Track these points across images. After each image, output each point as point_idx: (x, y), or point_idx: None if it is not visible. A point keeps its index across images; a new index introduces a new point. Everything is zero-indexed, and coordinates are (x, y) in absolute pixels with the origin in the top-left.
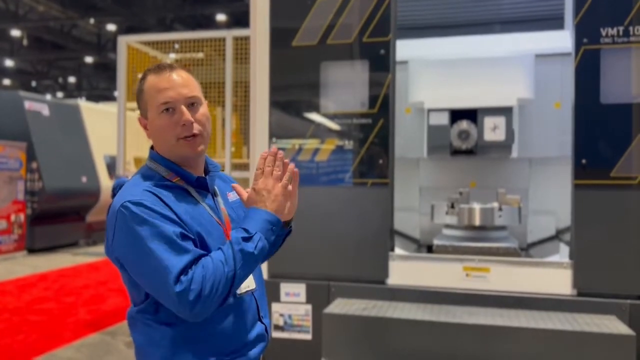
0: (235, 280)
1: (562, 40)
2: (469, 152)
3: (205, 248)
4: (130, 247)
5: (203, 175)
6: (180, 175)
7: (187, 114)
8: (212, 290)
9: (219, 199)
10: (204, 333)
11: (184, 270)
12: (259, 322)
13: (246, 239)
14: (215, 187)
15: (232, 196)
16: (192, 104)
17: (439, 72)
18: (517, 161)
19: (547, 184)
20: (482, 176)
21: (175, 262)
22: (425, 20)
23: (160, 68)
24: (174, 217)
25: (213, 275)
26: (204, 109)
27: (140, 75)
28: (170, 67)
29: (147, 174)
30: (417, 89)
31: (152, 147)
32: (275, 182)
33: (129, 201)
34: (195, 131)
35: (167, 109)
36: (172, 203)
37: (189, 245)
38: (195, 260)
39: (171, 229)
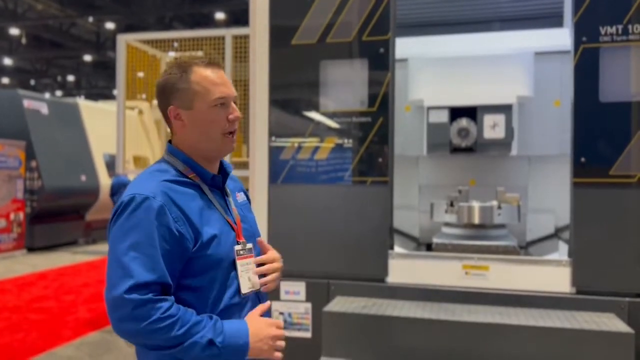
0: (173, 349)
1: (561, 38)
2: (469, 150)
3: (216, 248)
4: (115, 235)
5: (218, 174)
6: (197, 172)
7: (237, 111)
8: (157, 330)
9: (230, 199)
10: None
11: (143, 286)
12: None
13: (210, 344)
14: (227, 187)
15: (240, 197)
16: (235, 103)
17: (438, 69)
18: (517, 159)
19: (547, 182)
20: (482, 174)
21: (139, 274)
22: (425, 17)
23: (210, 63)
24: (172, 225)
25: (172, 324)
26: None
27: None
28: (218, 64)
29: (163, 167)
30: (417, 86)
31: (169, 141)
32: (274, 344)
33: (138, 194)
34: (236, 127)
35: (221, 104)
36: (183, 202)
37: (161, 266)
38: (158, 285)
39: (159, 243)
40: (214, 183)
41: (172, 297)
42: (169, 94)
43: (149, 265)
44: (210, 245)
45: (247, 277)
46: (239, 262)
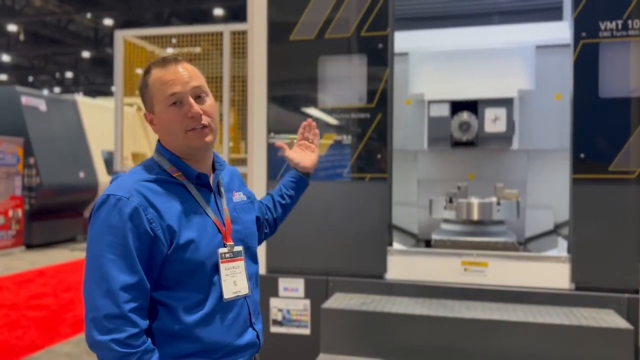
0: None
1: (562, 31)
2: (470, 144)
3: (194, 252)
4: (92, 236)
5: (211, 171)
6: (182, 170)
7: (196, 106)
8: (113, 353)
9: (223, 199)
10: (186, 334)
11: (129, 288)
12: (250, 329)
13: None
14: (221, 186)
15: (237, 196)
16: (199, 96)
17: (439, 63)
18: (516, 153)
19: (546, 176)
20: (481, 168)
21: (116, 276)
22: (426, 11)
23: (165, 61)
24: (147, 226)
25: (131, 357)
26: (210, 100)
27: (141, 70)
28: (175, 59)
29: (149, 165)
30: (418, 80)
31: (159, 140)
32: None
33: (113, 195)
34: (204, 122)
35: (174, 102)
36: (161, 203)
37: (138, 268)
38: (137, 286)
39: (133, 245)
40: (201, 181)
41: (143, 326)
42: (142, 100)
43: (125, 267)
44: (187, 249)
45: (233, 282)
46: (222, 266)
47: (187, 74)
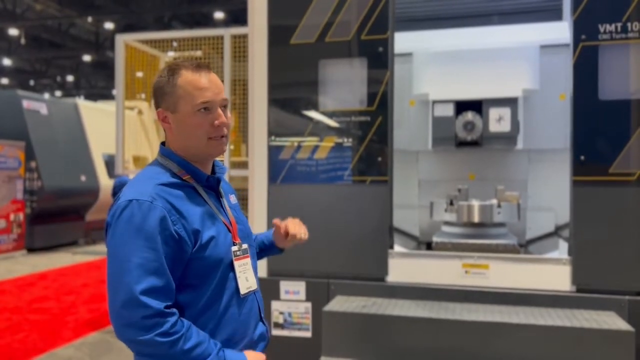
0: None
1: (567, 31)
2: (474, 144)
3: (214, 250)
4: (117, 241)
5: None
6: (192, 173)
7: (223, 116)
8: (161, 343)
9: (224, 200)
10: (207, 330)
11: (152, 291)
12: (260, 323)
13: None
14: (220, 189)
15: (232, 199)
16: (224, 107)
17: (443, 63)
18: (517, 153)
19: (548, 177)
20: (482, 169)
21: (145, 279)
22: (430, 11)
23: (198, 66)
24: (172, 228)
25: (176, 340)
26: (229, 113)
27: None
28: (207, 67)
29: (157, 169)
30: (422, 80)
31: (162, 144)
32: None
33: (136, 199)
34: (225, 132)
35: (204, 108)
36: (181, 204)
37: (166, 270)
38: (165, 289)
39: (161, 247)
40: (209, 184)
41: (177, 311)
42: (158, 97)
43: (154, 269)
44: (208, 247)
45: (245, 278)
46: (236, 263)
47: (217, 84)
